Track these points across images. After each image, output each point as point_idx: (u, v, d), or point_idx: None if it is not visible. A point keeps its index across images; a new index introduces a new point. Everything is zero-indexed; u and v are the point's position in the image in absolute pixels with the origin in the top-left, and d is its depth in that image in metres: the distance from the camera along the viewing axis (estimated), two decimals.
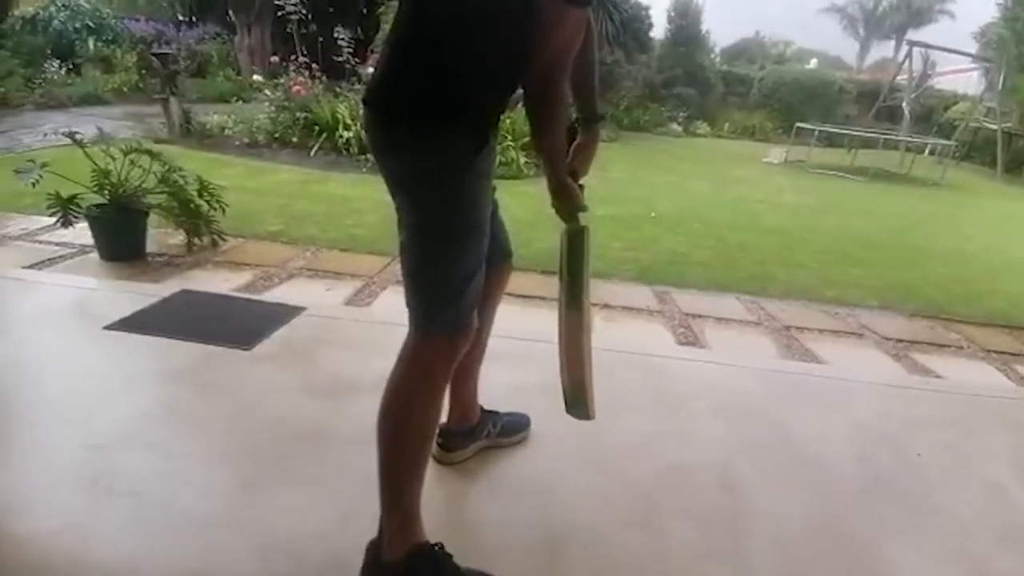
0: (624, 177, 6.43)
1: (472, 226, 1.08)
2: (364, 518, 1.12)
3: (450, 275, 1.07)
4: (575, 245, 1.25)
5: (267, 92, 6.23)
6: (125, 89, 8.55)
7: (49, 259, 2.79)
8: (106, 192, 2.71)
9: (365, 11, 9.93)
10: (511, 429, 1.62)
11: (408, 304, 1.10)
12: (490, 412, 1.59)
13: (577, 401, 1.36)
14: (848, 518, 1.49)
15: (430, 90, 1.02)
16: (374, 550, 1.12)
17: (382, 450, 1.09)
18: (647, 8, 11.44)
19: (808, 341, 2.69)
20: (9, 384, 1.72)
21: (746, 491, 1.54)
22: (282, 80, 6.20)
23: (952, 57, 12.70)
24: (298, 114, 5.79)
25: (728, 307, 3.02)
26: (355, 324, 2.29)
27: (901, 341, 2.80)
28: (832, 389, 2.13)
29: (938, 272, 4.06)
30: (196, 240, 3.02)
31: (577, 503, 1.45)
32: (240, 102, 6.88)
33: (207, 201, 2.93)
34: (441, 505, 1.35)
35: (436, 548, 1.12)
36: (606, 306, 2.83)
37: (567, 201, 1.21)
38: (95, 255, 2.81)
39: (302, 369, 1.87)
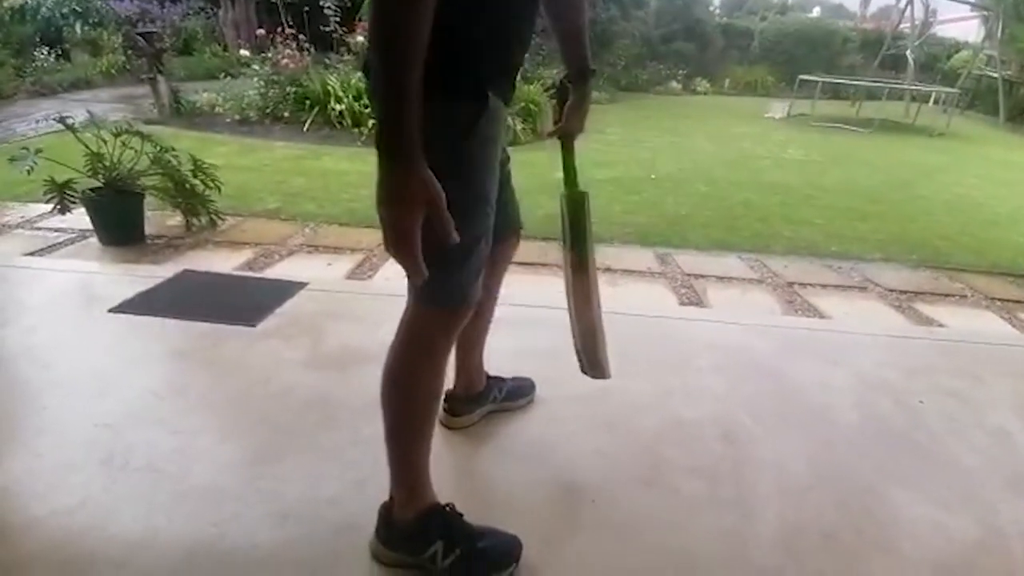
0: (622, 138, 6.34)
1: (476, 196, 1.02)
2: (375, 482, 1.15)
3: (451, 247, 1.04)
4: (576, 211, 1.24)
5: (255, 67, 6.11)
6: (113, 71, 8.41)
7: (50, 246, 2.79)
8: (100, 176, 2.69)
9: None
10: (516, 393, 1.64)
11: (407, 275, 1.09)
12: (495, 378, 1.61)
13: (592, 362, 1.40)
14: (852, 466, 1.51)
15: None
16: (386, 513, 1.14)
17: (387, 420, 1.09)
18: None
19: (811, 297, 2.69)
20: (19, 370, 1.74)
21: (750, 443, 1.56)
22: (270, 54, 6.07)
23: (952, 5, 12.34)
24: (288, 88, 5.69)
25: (730, 266, 3.02)
26: (357, 297, 2.29)
27: (905, 293, 2.80)
28: (834, 342, 2.14)
29: (943, 223, 4.03)
30: (194, 220, 3.01)
31: (583, 461, 1.47)
32: (228, 78, 6.75)
33: (202, 181, 2.91)
34: (450, 468, 1.38)
35: (447, 508, 1.15)
36: (607, 269, 2.83)
37: (403, 251, 0.84)
38: (95, 239, 2.82)
39: (307, 343, 1.89)
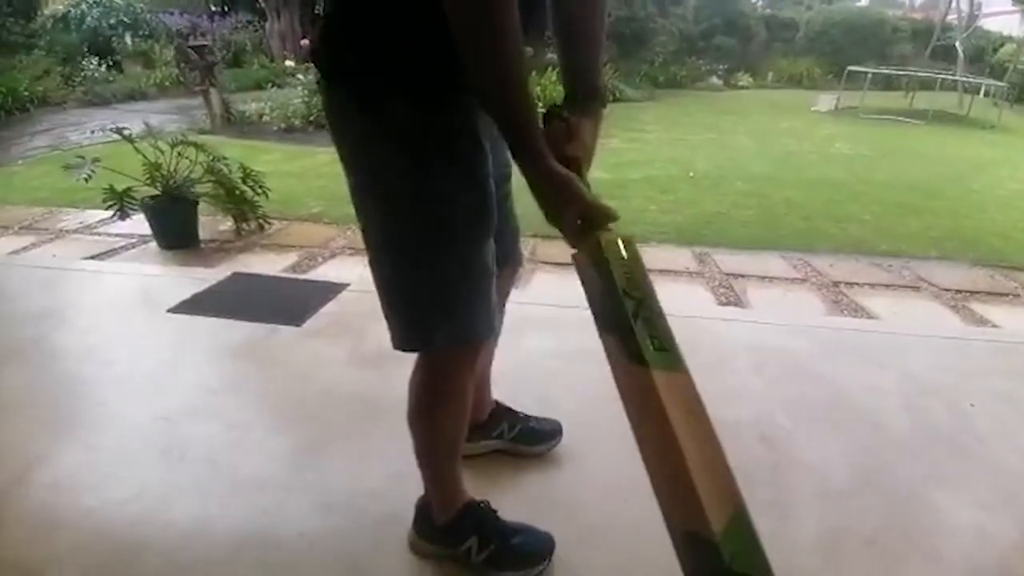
0: (660, 137, 6.26)
1: (453, 199, 0.87)
2: (414, 476, 1.18)
3: (431, 282, 0.92)
4: (607, 271, 0.79)
5: (300, 76, 6.34)
6: (167, 83, 8.78)
7: (110, 250, 2.97)
8: (158, 184, 2.85)
9: None
10: (533, 437, 1.43)
11: (399, 321, 0.97)
12: (509, 411, 1.42)
13: (721, 552, 0.68)
14: (895, 469, 1.47)
15: (343, 35, 0.84)
16: (423, 508, 1.18)
17: (417, 445, 1.09)
18: None
19: (859, 296, 2.61)
20: (80, 368, 1.86)
21: (790, 446, 1.53)
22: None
23: None
24: None
25: (772, 265, 2.95)
26: None
27: (960, 292, 2.68)
28: (882, 343, 2.07)
29: (997, 219, 3.84)
30: (244, 225, 3.15)
31: (617, 461, 1.47)
32: (275, 88, 7.03)
33: (251, 187, 3.05)
34: (486, 464, 1.40)
35: (482, 505, 1.17)
36: None
37: (561, 197, 0.81)
38: (153, 244, 2.98)
39: (349, 342, 1.96)
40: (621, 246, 0.82)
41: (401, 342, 0.98)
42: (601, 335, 0.84)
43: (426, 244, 0.90)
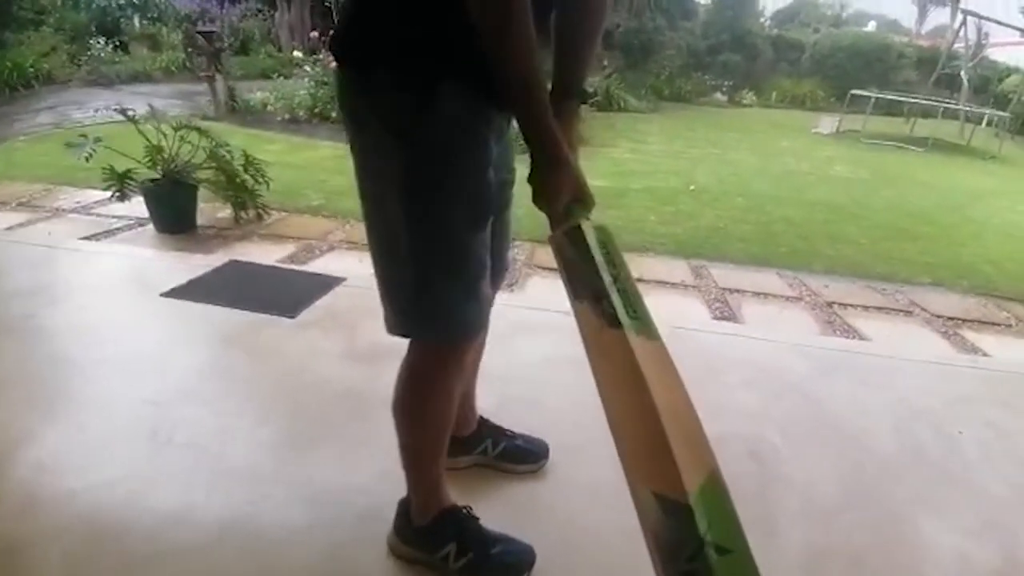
0: (662, 149, 6.29)
1: (462, 190, 0.88)
2: (400, 474, 1.17)
3: (427, 271, 0.92)
4: (585, 248, 0.85)
5: (307, 68, 6.33)
6: (173, 68, 8.75)
7: (107, 231, 2.95)
8: (158, 167, 2.83)
9: None
10: (518, 456, 1.39)
11: (391, 306, 0.97)
12: (494, 428, 1.40)
13: (692, 524, 0.66)
14: (881, 491, 1.47)
15: (352, 23, 0.89)
16: (404, 508, 1.16)
17: (400, 440, 1.08)
18: None
19: (852, 318, 2.62)
20: (70, 347, 1.84)
21: (778, 462, 1.54)
22: (321, 55, 6.27)
23: (1003, 28, 11.82)
24: None
25: (768, 282, 2.97)
26: None
27: (952, 319, 2.70)
28: (873, 366, 2.08)
29: (993, 248, 3.87)
30: (242, 213, 3.14)
31: (602, 466, 1.46)
32: (281, 78, 7.00)
33: (252, 176, 3.04)
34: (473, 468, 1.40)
35: (463, 511, 1.16)
36: (639, 280, 2.81)
37: (563, 175, 0.86)
38: (150, 227, 2.96)
39: (342, 336, 1.95)
40: (599, 231, 0.88)
41: (392, 327, 0.99)
42: (573, 304, 0.86)
43: (422, 228, 0.90)
